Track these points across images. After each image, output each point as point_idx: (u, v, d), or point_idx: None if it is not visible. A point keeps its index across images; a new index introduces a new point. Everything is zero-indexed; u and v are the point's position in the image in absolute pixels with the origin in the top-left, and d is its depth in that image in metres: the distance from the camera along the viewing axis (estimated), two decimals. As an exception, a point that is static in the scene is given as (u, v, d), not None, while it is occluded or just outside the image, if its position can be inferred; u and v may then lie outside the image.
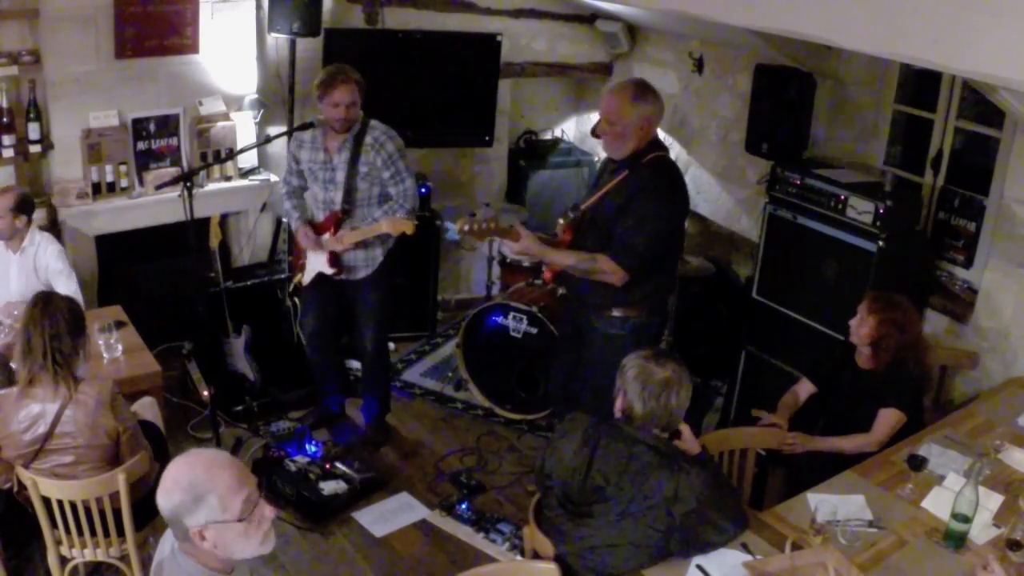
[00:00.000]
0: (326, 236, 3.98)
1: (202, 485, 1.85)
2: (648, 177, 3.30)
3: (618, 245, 3.30)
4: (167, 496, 1.87)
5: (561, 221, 3.54)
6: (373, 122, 3.93)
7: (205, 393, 4.08)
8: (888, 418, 3.23)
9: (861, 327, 3.29)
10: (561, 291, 4.02)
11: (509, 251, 3.47)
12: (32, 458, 2.89)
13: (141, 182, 4.74)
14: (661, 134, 5.46)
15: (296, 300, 4.77)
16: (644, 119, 3.27)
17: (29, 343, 2.87)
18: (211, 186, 4.90)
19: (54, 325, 2.88)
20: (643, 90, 3.30)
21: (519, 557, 3.53)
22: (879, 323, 3.24)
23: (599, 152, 5.56)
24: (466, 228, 3.21)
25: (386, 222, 3.85)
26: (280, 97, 5.02)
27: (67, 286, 3.86)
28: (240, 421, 4.49)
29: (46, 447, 2.88)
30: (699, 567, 2.48)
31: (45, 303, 2.92)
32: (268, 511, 1.92)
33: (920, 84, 4.17)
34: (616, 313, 3.47)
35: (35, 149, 4.39)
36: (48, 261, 3.95)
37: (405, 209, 3.93)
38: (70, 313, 2.94)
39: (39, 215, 4.49)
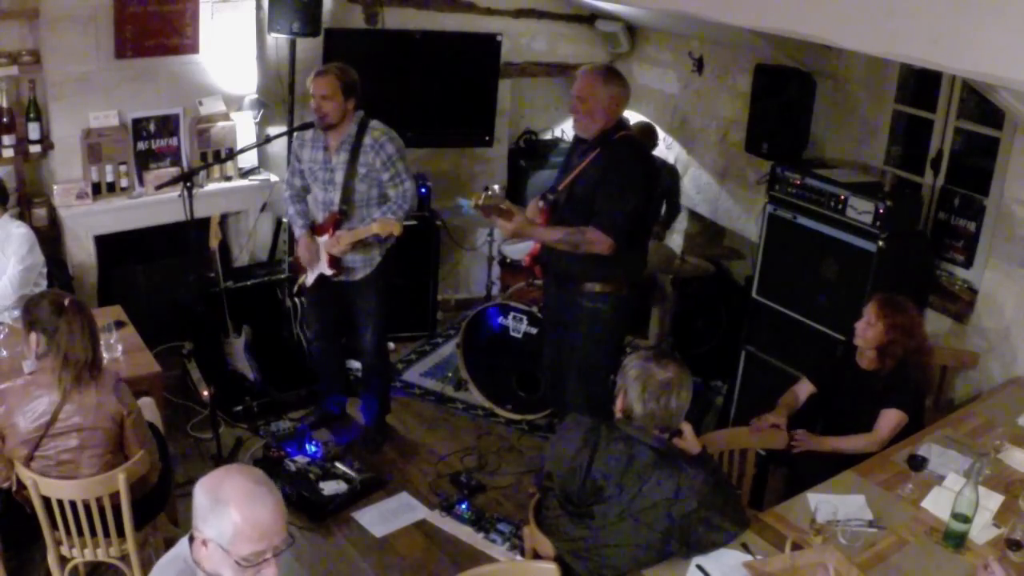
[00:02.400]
0: (325, 238, 3.98)
1: (229, 507, 1.80)
2: (620, 152, 3.57)
3: (603, 215, 3.52)
4: (199, 490, 1.85)
5: (542, 204, 3.72)
6: (373, 122, 3.92)
7: (205, 393, 4.07)
8: (890, 419, 3.23)
9: (868, 331, 3.28)
10: (538, 281, 4.14)
11: (502, 233, 3.62)
12: (36, 445, 2.86)
13: (141, 182, 4.74)
14: (661, 135, 5.49)
15: (297, 300, 4.78)
16: (612, 99, 3.53)
17: (87, 359, 2.84)
18: (211, 186, 4.90)
19: (92, 323, 2.91)
20: (613, 73, 3.61)
21: (519, 557, 3.53)
22: (887, 328, 3.23)
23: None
24: (480, 202, 3.48)
25: (376, 223, 3.85)
26: (280, 97, 5.02)
27: (13, 268, 3.80)
28: (240, 421, 4.49)
29: (51, 431, 2.84)
30: (699, 567, 2.48)
31: (78, 312, 2.88)
32: (270, 573, 1.84)
33: (920, 84, 4.16)
34: (598, 288, 3.67)
35: (35, 149, 4.39)
36: (10, 241, 3.85)
37: (403, 211, 3.93)
38: (88, 309, 2.96)
39: (40, 213, 4.51)
